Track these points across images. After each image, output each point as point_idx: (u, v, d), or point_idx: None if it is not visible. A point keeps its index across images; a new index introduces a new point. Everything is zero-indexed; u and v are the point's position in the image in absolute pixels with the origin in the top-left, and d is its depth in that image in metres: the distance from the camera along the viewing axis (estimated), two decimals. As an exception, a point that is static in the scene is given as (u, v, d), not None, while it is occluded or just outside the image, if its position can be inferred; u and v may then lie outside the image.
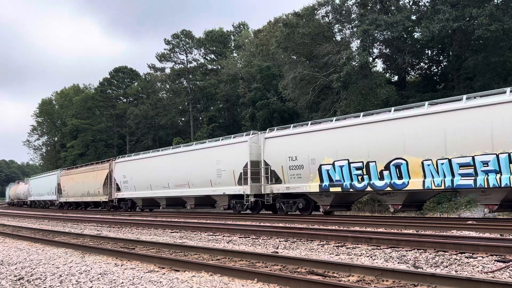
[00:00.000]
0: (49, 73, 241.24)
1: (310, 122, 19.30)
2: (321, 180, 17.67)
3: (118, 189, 31.57)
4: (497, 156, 12.98)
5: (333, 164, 17.24)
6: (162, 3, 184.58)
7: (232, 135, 23.63)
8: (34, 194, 51.23)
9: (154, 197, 27.98)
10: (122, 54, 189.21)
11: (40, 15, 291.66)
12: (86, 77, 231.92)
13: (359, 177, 16.40)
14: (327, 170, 17.47)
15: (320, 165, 17.71)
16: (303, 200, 18.93)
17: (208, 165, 23.02)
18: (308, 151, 18.23)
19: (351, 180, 16.62)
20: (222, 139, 23.90)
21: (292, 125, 20.29)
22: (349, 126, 17.16)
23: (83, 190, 36.59)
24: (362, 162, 16.28)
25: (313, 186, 18.03)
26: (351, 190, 16.73)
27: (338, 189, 17.14)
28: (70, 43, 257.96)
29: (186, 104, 61.64)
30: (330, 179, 17.34)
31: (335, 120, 18.19)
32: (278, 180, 19.76)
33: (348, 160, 16.74)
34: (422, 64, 35.53)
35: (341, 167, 16.96)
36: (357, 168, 16.47)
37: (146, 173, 28.35)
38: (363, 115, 17.05)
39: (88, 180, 35.65)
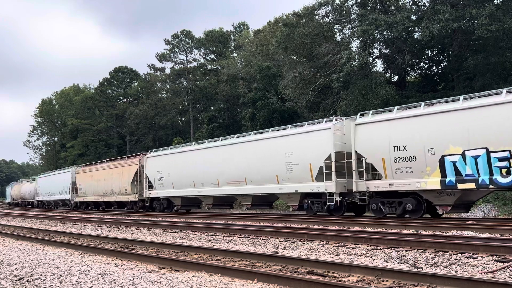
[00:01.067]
0: (47, 73, 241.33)
1: (423, 103, 15.99)
2: (443, 174, 14.53)
3: (150, 187, 28.12)
4: None
5: (462, 154, 14.14)
6: (161, 3, 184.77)
7: (306, 123, 19.72)
8: (43, 193, 47.98)
9: (199, 195, 24.69)
10: (120, 53, 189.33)
11: (37, 15, 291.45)
12: (84, 77, 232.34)
13: (504, 170, 13.25)
14: (454, 162, 14.32)
15: (443, 156, 14.57)
16: (413, 200, 15.63)
17: (274, 158, 19.57)
18: (424, 139, 14.99)
19: (491, 174, 13.48)
20: (291, 127, 19.96)
21: (395, 108, 16.77)
22: (487, 105, 13.83)
23: (105, 188, 33.07)
24: (510, 151, 13.14)
25: (431, 182, 14.79)
26: (491, 186, 13.53)
27: (471, 185, 13.92)
28: (67, 43, 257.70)
29: (186, 104, 61.64)
30: (458, 173, 14.22)
31: (463, 99, 14.71)
32: (376, 176, 16.69)
33: (486, 148, 13.63)
34: (422, 64, 35.51)
35: (475, 158, 13.90)
36: (501, 159, 13.37)
37: (188, 168, 24.78)
38: (507, 92, 13.76)
39: (112, 177, 32.16)
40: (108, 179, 32.73)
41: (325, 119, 18.89)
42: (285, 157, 19.13)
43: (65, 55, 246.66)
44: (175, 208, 27.42)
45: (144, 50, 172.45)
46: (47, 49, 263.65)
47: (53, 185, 44.09)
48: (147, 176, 28.19)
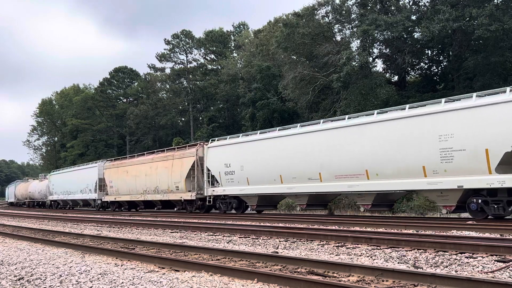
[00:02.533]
0: (46, 73, 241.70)
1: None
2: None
3: (213, 183, 23.54)
4: None
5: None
6: (160, 2, 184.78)
7: (473, 94, 14.38)
8: (58, 192, 43.02)
9: (287, 193, 19.81)
10: (119, 53, 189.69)
11: (35, 14, 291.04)
12: (83, 76, 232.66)
13: None
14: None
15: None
16: None
17: (418, 143, 14.98)
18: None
19: None
20: (446, 102, 14.74)
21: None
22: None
23: (147, 185, 28.04)
24: None
25: None
26: None
27: None
28: (65, 43, 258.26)
29: (186, 104, 61.66)
30: None
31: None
32: None
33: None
34: (422, 64, 35.52)
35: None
36: None
37: (272, 159, 19.86)
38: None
39: (157, 172, 27.18)
40: (151, 174, 27.75)
41: (508, 88, 13.43)
42: (438, 141, 14.50)
43: (63, 54, 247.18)
44: (249, 209, 23.03)
45: (143, 49, 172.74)
46: (45, 49, 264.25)
47: (72, 182, 39.00)
48: (209, 170, 23.39)
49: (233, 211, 23.07)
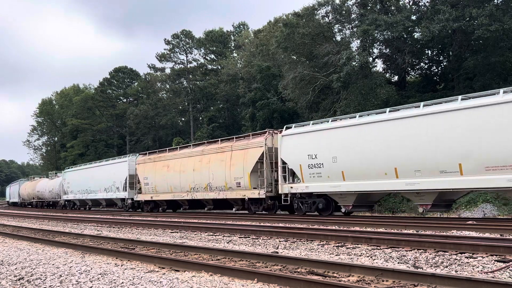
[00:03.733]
0: (44, 73, 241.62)
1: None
2: None
3: (287, 179, 19.27)
4: None
5: None
6: (160, 2, 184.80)
7: None
8: (75, 191, 38.61)
9: (407, 190, 15.46)
10: (117, 52, 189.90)
11: (32, 14, 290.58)
12: (82, 76, 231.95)
13: None
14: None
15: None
16: None
17: None
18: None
19: None
20: None
21: None
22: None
23: (195, 182, 24.06)
24: None
25: None
26: None
27: None
28: (63, 42, 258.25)
29: (186, 104, 61.69)
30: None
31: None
32: None
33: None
34: (422, 64, 35.55)
35: None
36: None
37: (379, 148, 15.97)
38: None
39: (210, 166, 23.23)
40: (200, 169, 23.80)
41: None
42: None
43: (62, 54, 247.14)
44: (342, 210, 18.60)
45: (142, 49, 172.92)
46: (43, 49, 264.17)
47: (94, 180, 34.77)
48: (285, 163, 19.37)
49: (316, 213, 18.88)
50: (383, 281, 6.08)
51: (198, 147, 25.30)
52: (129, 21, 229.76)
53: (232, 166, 21.92)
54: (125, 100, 72.65)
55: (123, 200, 31.01)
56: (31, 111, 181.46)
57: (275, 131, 20.98)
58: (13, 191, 61.99)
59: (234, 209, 23.14)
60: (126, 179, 30.15)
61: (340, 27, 35.70)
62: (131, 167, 29.96)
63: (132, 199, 29.63)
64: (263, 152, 20.56)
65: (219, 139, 24.89)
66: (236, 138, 22.98)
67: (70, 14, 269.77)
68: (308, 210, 18.75)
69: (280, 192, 19.55)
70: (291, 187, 19.11)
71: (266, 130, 21.81)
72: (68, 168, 42.09)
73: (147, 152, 30.62)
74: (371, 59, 33.92)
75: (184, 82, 62.33)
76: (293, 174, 19.16)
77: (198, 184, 23.96)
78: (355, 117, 17.39)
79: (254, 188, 20.79)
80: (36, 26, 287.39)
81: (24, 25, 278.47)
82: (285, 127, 20.06)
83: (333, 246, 9.50)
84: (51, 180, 47.27)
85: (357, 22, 33.08)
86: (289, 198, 19.19)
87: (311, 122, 19.24)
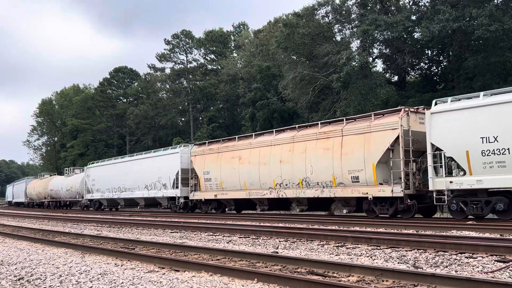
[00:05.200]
0: (43, 73, 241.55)
1: None
2: None
3: (444, 170, 14.62)
4: None
5: None
6: (160, 2, 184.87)
7: None
8: (102, 189, 33.97)
9: None
10: (116, 52, 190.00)
11: (30, 13, 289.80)
12: (81, 76, 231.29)
13: None
14: None
15: None
16: None
17: None
18: None
19: None
20: None
21: None
22: None
23: (283, 177, 19.49)
24: None
25: None
26: None
27: None
28: (61, 42, 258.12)
29: (186, 104, 61.72)
30: None
31: None
32: None
33: None
34: (422, 64, 35.57)
35: None
36: None
37: None
38: None
39: (306, 156, 18.56)
40: (292, 160, 19.16)
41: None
42: None
43: (61, 54, 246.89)
44: None
45: (142, 48, 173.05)
46: (42, 49, 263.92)
47: (130, 176, 30.28)
48: (438, 150, 14.85)
49: (494, 216, 14.70)
50: (383, 281, 6.08)
51: (284, 133, 20.53)
52: (128, 20, 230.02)
53: (344, 156, 17.17)
54: (125, 100, 72.67)
55: (171, 199, 26.46)
56: (31, 111, 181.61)
57: (418, 109, 16.66)
58: (18, 191, 57.94)
59: (344, 211, 18.15)
60: (177, 174, 25.46)
61: (340, 27, 35.73)
62: (184, 159, 25.37)
63: (186, 197, 25.12)
64: (398, 136, 15.70)
65: (318, 122, 19.79)
66: (346, 120, 18.10)
67: (68, 14, 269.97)
68: (477, 213, 14.02)
69: (431, 188, 14.93)
70: (450, 182, 14.42)
71: (399, 107, 16.86)
72: (93, 163, 37.19)
73: (206, 141, 25.81)
74: (371, 59, 33.93)
75: (184, 82, 62.36)
76: (449, 165, 14.73)
77: (288, 179, 19.25)
78: None
79: (380, 183, 16.16)
80: (35, 26, 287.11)
81: (22, 25, 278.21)
82: (434, 101, 15.58)
83: (333, 246, 9.50)
84: (68, 177, 42.56)
85: (357, 22, 33.10)
86: (446, 197, 14.50)
87: (482, 93, 14.50)
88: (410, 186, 15.58)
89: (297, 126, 20.66)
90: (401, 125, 15.69)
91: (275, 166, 19.87)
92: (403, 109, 16.16)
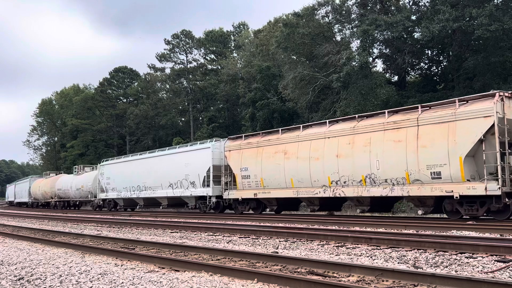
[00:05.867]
0: (43, 73, 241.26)
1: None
2: None
3: None
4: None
5: None
6: (160, 2, 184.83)
7: None
8: (119, 188, 31.67)
9: None
10: (115, 52, 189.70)
11: (27, 12, 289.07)
12: (80, 75, 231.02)
13: None
14: None
15: None
16: None
17: None
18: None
19: None
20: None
21: None
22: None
23: (341, 173, 17.37)
24: None
25: None
26: None
27: None
28: (60, 42, 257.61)
29: (186, 104, 61.72)
30: None
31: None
32: None
33: None
34: (422, 64, 35.57)
35: None
36: None
37: None
38: None
39: (371, 150, 16.43)
40: (353, 153, 16.99)
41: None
42: None
43: (60, 54, 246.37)
44: None
45: (142, 48, 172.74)
46: (42, 49, 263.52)
47: (151, 173, 28.05)
48: None
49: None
50: (383, 281, 6.08)
51: (340, 123, 18.33)
52: (127, 20, 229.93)
53: (422, 148, 15.11)
54: (125, 100, 72.67)
55: (200, 198, 24.47)
56: (31, 111, 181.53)
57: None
58: (20, 190, 55.67)
59: (420, 211, 15.69)
60: (209, 171, 23.39)
61: (340, 27, 35.74)
62: (216, 155, 23.37)
63: (219, 196, 23.14)
64: (492, 125, 13.61)
65: (385, 111, 17.08)
66: (422, 107, 15.86)
67: (67, 13, 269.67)
68: None
69: None
70: None
71: (492, 92, 14.54)
72: (108, 160, 34.99)
73: (242, 135, 23.06)
74: (371, 59, 33.93)
75: (184, 82, 62.34)
76: None
77: (347, 176, 17.14)
78: None
79: (468, 180, 14.20)
80: (34, 25, 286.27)
81: (21, 24, 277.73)
82: None
83: (333, 246, 9.51)
84: (77, 175, 40.27)
85: (357, 22, 33.09)
86: None
87: None
88: (507, 182, 13.49)
89: (356, 116, 18.05)
90: (496, 112, 13.57)
91: (330, 161, 17.67)
92: (497, 94, 14.03)
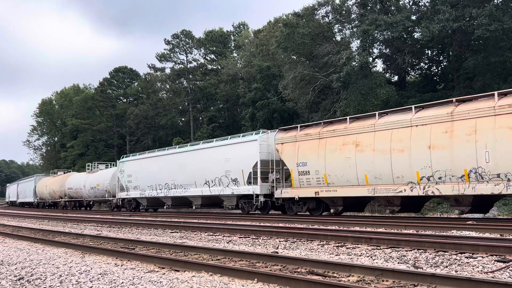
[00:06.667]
0: (42, 72, 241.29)
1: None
2: None
3: None
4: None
5: None
6: (159, 2, 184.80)
7: None
8: (143, 186, 28.85)
9: None
10: (115, 51, 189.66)
11: (26, 12, 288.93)
12: (80, 75, 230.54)
13: None
14: None
15: None
16: None
17: None
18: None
19: None
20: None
21: None
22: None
23: (433, 167, 14.89)
24: None
25: None
26: None
27: None
28: (59, 42, 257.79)
29: (186, 104, 61.72)
30: None
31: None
32: None
33: None
34: (422, 64, 35.59)
35: None
36: None
37: None
38: None
39: (475, 137, 13.96)
40: (451, 144, 14.50)
41: None
42: None
43: (59, 54, 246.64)
44: None
45: (141, 47, 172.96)
46: (40, 48, 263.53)
47: (183, 170, 25.36)
48: None
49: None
50: (383, 281, 6.08)
51: (432, 109, 15.52)
52: (127, 20, 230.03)
53: None
54: (125, 100, 72.67)
55: (244, 197, 21.91)
56: (31, 111, 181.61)
57: None
58: (24, 190, 52.96)
59: None
60: (255, 166, 20.86)
61: (340, 27, 35.76)
62: (263, 148, 20.88)
63: (268, 195, 20.72)
64: None
65: (494, 92, 14.52)
66: None
67: (66, 13, 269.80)
68: None
69: None
70: None
71: None
72: (128, 156, 32.17)
73: (297, 125, 20.41)
74: (371, 59, 33.94)
75: (184, 82, 62.35)
76: None
77: (444, 171, 14.61)
78: None
79: None
80: (33, 25, 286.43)
81: (21, 24, 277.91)
82: None
83: (333, 246, 9.50)
84: (91, 173, 37.52)
85: (357, 22, 33.10)
86: None
87: None
88: None
89: (453, 99, 15.34)
90: None
91: (419, 153, 15.12)
92: None
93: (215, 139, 26.02)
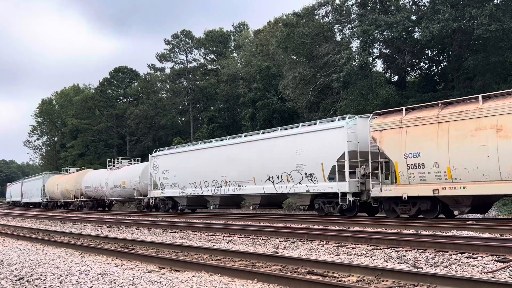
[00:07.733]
0: (42, 72, 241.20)
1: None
2: None
3: None
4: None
5: None
6: (159, 2, 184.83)
7: None
8: (183, 184, 25.17)
9: None
10: (114, 51, 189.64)
11: (25, 12, 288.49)
12: (80, 75, 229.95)
13: None
14: None
15: None
16: None
17: None
18: None
19: None
20: None
21: None
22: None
23: None
24: None
25: None
26: None
27: None
28: (58, 42, 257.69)
29: (186, 104, 61.72)
30: None
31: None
32: None
33: None
34: (422, 64, 35.58)
35: None
36: None
37: None
38: None
39: None
40: None
41: None
42: None
43: (58, 54, 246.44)
44: None
45: (141, 47, 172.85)
46: (40, 48, 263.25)
47: (236, 164, 21.82)
48: None
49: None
50: (383, 281, 6.08)
51: None
52: (127, 20, 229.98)
53: None
54: (125, 100, 72.66)
55: (323, 195, 18.35)
56: (31, 111, 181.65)
57: None
58: (30, 189, 49.30)
59: None
60: (342, 158, 17.22)
61: (340, 27, 35.75)
62: (351, 137, 17.14)
63: (357, 193, 17.12)
64: None
65: None
66: None
67: (65, 13, 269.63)
68: None
69: None
70: None
71: None
72: (162, 150, 28.05)
73: (403, 108, 16.04)
74: (371, 59, 33.93)
75: (184, 82, 62.34)
76: None
77: None
78: None
79: None
80: (32, 25, 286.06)
81: (20, 24, 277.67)
82: None
83: (333, 246, 9.50)
84: (114, 170, 33.65)
85: (357, 22, 33.09)
86: None
87: None
88: None
89: None
90: None
91: None
92: None
93: (279, 128, 21.34)
